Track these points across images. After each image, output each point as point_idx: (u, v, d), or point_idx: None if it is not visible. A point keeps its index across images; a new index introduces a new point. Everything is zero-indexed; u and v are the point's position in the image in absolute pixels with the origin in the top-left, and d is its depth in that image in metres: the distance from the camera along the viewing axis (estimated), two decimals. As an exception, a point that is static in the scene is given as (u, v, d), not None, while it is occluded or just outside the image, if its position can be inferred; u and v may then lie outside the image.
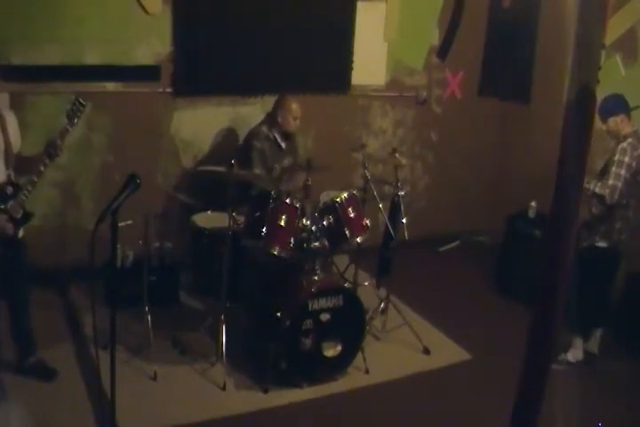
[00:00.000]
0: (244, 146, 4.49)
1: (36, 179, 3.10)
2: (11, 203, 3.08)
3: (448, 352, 4.11)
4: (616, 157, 3.69)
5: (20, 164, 3.20)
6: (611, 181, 3.66)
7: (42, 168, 3.09)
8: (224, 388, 3.55)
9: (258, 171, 4.26)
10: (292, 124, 4.41)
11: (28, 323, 3.43)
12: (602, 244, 3.79)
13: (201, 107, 4.76)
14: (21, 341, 3.46)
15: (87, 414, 3.23)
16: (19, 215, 3.13)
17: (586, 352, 4.01)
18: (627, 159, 3.66)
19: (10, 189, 3.08)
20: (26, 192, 3.11)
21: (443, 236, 5.85)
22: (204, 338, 3.95)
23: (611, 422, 3.16)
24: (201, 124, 4.80)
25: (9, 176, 3.15)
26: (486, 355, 4.06)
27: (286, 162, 4.47)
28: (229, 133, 4.91)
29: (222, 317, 3.70)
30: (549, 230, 1.77)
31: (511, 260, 5.01)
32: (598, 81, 1.58)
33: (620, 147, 3.70)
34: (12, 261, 3.19)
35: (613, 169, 3.67)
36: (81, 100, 3.10)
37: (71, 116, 3.09)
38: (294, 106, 4.37)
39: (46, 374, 3.46)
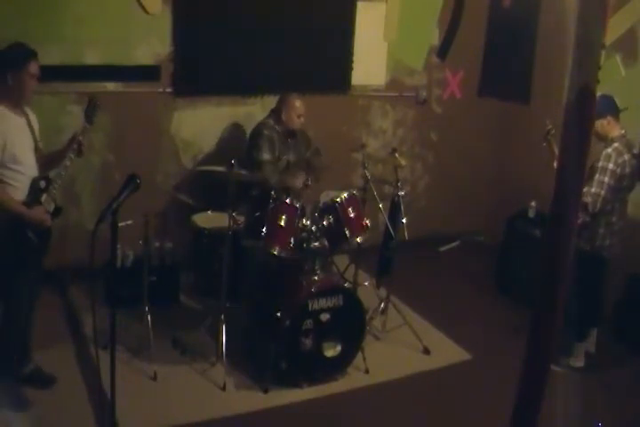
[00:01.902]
0: (251, 135, 4.43)
1: (63, 173, 3.21)
2: (44, 196, 3.15)
3: (448, 352, 4.11)
4: (600, 164, 3.61)
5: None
6: (593, 189, 3.60)
7: (68, 163, 3.21)
8: (224, 388, 3.55)
9: (266, 156, 4.25)
10: (296, 122, 4.40)
11: (31, 323, 3.38)
12: (585, 248, 3.74)
13: (201, 107, 4.76)
14: (20, 341, 3.40)
15: (87, 415, 3.23)
16: (51, 209, 3.21)
17: (585, 353, 4.00)
18: (610, 166, 3.59)
19: (43, 183, 3.14)
20: (56, 186, 3.19)
21: (443, 236, 5.86)
22: (203, 338, 3.95)
23: (611, 423, 3.16)
24: (201, 124, 4.80)
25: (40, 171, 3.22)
26: (486, 355, 4.06)
27: (292, 157, 4.47)
28: (229, 133, 4.91)
29: (222, 317, 3.70)
30: (549, 230, 1.77)
31: (511, 260, 5.01)
32: (598, 81, 1.58)
33: (604, 153, 3.63)
34: (45, 253, 3.26)
35: (597, 176, 3.60)
36: (95, 101, 3.29)
37: (89, 115, 3.25)
38: (298, 103, 4.36)
39: (44, 381, 3.41)
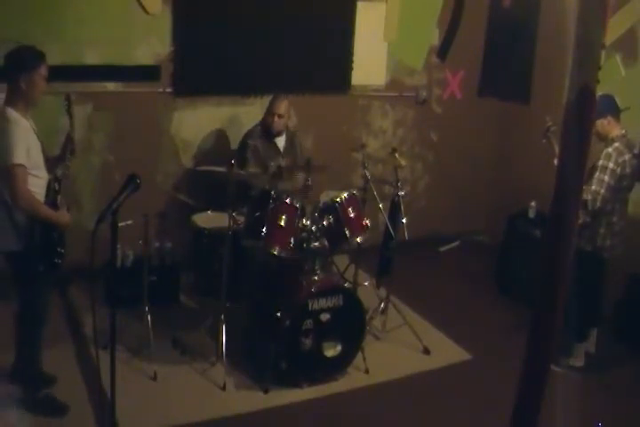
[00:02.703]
0: (238, 146, 4.52)
1: (67, 172, 3.26)
2: (59, 198, 3.16)
3: (448, 352, 4.11)
4: (600, 163, 3.62)
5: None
6: (593, 187, 3.60)
7: (69, 162, 3.27)
8: (224, 388, 3.55)
9: (252, 169, 4.27)
10: (276, 123, 4.39)
11: (44, 323, 3.31)
12: (586, 248, 3.74)
13: (201, 107, 4.77)
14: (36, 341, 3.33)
15: (87, 414, 3.23)
16: (65, 209, 3.21)
17: (585, 353, 4.00)
18: (611, 165, 3.59)
19: (57, 185, 3.15)
20: (62, 186, 3.21)
21: (443, 236, 5.86)
22: (203, 338, 3.95)
23: (611, 423, 3.16)
24: (201, 124, 4.81)
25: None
26: (486, 355, 4.06)
27: (283, 162, 4.47)
28: (229, 133, 4.91)
29: (222, 317, 3.70)
30: (549, 230, 1.77)
31: (511, 260, 5.01)
32: (598, 81, 1.58)
33: (604, 152, 3.64)
34: (64, 255, 3.22)
35: (597, 175, 3.60)
36: (70, 96, 3.39)
37: (68, 110, 3.33)
38: (278, 104, 4.37)
39: (46, 381, 3.36)
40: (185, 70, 4.60)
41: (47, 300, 3.27)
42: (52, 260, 3.12)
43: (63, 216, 3.12)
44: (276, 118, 4.38)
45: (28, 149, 2.94)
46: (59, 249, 3.15)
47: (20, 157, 2.90)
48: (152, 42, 4.46)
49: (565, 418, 3.04)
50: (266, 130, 4.44)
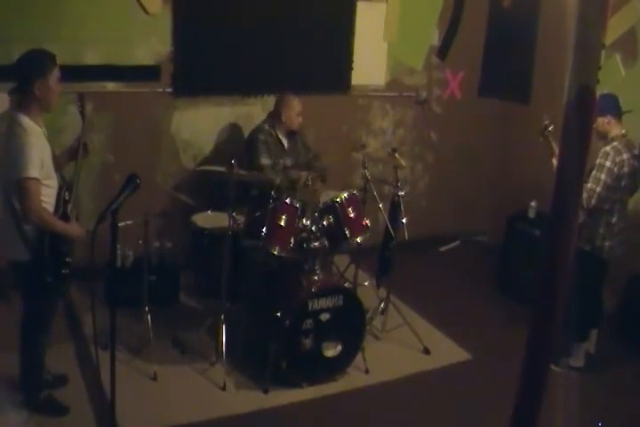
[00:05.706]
0: (247, 141, 4.48)
1: (77, 178, 3.12)
2: (70, 207, 3.05)
3: (448, 352, 4.11)
4: (597, 161, 3.62)
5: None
6: (589, 185, 3.60)
7: (79, 169, 3.13)
8: (224, 388, 3.55)
9: (265, 160, 4.26)
10: (296, 121, 4.40)
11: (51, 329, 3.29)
12: (585, 248, 3.73)
13: (201, 107, 4.77)
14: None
15: (87, 415, 3.23)
16: (75, 218, 3.10)
17: (585, 353, 4.00)
18: (608, 164, 3.59)
19: (67, 195, 3.04)
20: (73, 195, 3.09)
21: (443, 236, 5.86)
22: (203, 338, 3.96)
23: (611, 423, 3.16)
24: (201, 124, 4.80)
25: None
26: (486, 355, 4.06)
27: (288, 161, 4.46)
28: (229, 133, 4.91)
29: (222, 317, 3.71)
30: (549, 230, 1.77)
31: (511, 260, 5.01)
32: (598, 81, 1.58)
33: (602, 150, 3.63)
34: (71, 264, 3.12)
35: (593, 173, 3.60)
36: (83, 96, 3.30)
37: (81, 111, 3.25)
38: (296, 102, 4.38)
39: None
40: (185, 70, 4.60)
41: (53, 310, 3.22)
42: (60, 270, 3.01)
43: (75, 229, 3.01)
44: (300, 118, 4.40)
45: (42, 160, 2.83)
46: (67, 259, 3.04)
47: (34, 170, 2.78)
48: (152, 42, 4.46)
49: (565, 418, 3.04)
50: (284, 129, 4.43)
